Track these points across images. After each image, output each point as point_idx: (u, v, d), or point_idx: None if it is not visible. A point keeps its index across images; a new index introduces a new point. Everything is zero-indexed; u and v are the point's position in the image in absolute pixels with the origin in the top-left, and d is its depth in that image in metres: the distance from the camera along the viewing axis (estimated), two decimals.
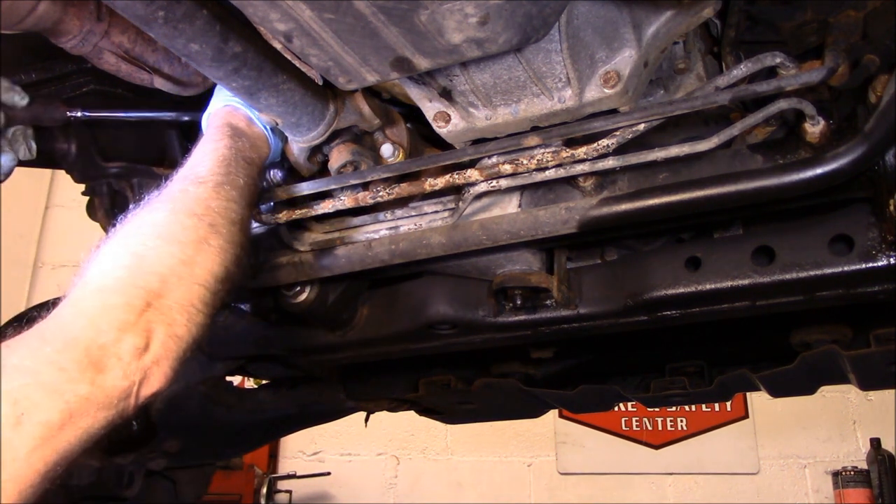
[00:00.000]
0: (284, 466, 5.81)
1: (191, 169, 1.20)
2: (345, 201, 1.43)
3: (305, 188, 1.43)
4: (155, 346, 0.99)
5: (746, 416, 5.59)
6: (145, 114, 1.66)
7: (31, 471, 0.84)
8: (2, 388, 0.84)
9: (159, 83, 1.52)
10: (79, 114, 1.57)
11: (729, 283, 1.43)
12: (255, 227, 1.61)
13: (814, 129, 1.20)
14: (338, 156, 1.40)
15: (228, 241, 1.13)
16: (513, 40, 0.98)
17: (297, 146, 1.39)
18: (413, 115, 1.43)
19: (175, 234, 1.08)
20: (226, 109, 1.33)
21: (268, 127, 1.34)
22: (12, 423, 0.83)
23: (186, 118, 1.66)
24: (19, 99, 1.42)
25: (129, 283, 1.00)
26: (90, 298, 0.99)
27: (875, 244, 1.32)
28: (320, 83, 1.31)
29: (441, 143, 1.40)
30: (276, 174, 1.52)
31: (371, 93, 1.42)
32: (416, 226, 1.48)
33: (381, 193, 1.40)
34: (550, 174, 1.32)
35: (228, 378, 2.22)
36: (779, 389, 2.11)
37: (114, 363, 0.93)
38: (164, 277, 1.03)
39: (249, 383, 2.87)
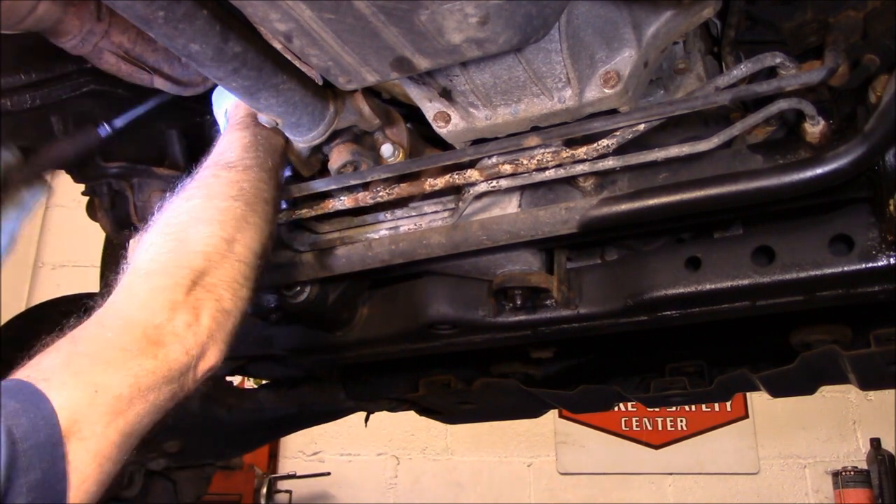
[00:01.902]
0: (284, 466, 5.81)
1: (219, 156, 1.26)
2: (345, 201, 1.43)
3: (306, 188, 1.43)
4: (205, 321, 1.04)
5: (746, 416, 5.59)
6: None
7: (108, 443, 0.91)
8: (72, 372, 0.90)
9: (159, 83, 1.52)
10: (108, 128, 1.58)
11: (729, 283, 1.43)
12: None
13: (814, 129, 1.20)
14: (338, 156, 1.40)
15: (263, 219, 1.20)
16: (513, 40, 0.98)
17: (298, 146, 1.39)
18: (413, 115, 1.43)
19: (213, 215, 1.14)
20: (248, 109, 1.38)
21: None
22: (87, 401, 0.89)
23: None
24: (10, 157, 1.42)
25: (175, 264, 1.07)
26: (140, 283, 1.05)
27: (875, 244, 1.32)
28: (320, 83, 1.31)
29: (441, 143, 1.40)
30: None
31: (371, 93, 1.42)
32: (416, 226, 1.48)
33: (381, 193, 1.40)
34: (550, 174, 1.32)
35: (228, 378, 2.22)
36: (779, 389, 2.11)
37: (171, 339, 1.00)
38: (208, 256, 1.09)
39: (249, 383, 2.88)
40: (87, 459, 0.88)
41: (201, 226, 1.12)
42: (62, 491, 0.85)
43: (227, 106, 1.41)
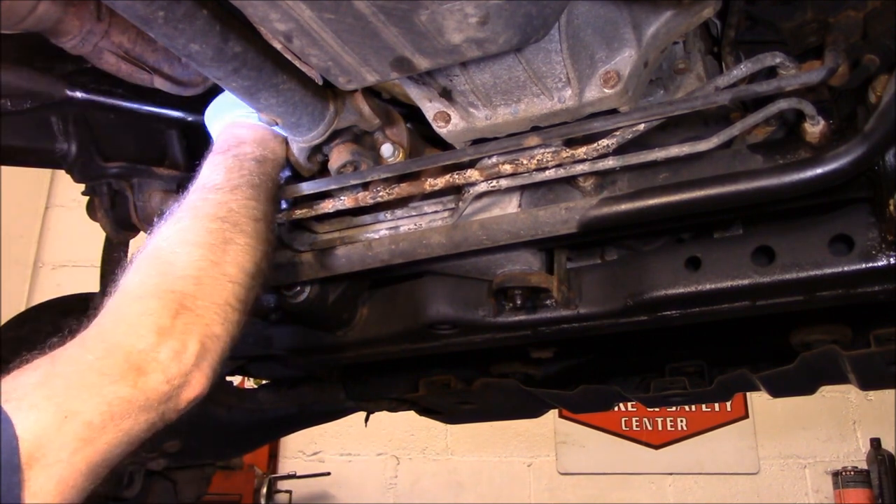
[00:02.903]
0: (284, 466, 5.81)
1: (206, 179, 1.24)
2: (345, 201, 1.43)
3: (305, 188, 1.43)
4: (193, 348, 1.02)
5: (746, 416, 5.59)
6: (144, 107, 1.66)
7: (74, 471, 0.87)
8: (44, 394, 0.88)
9: (159, 83, 1.52)
10: (78, 94, 1.58)
11: (729, 283, 1.43)
12: None
13: (814, 129, 1.20)
14: (338, 156, 1.40)
15: (254, 238, 1.17)
16: (513, 40, 0.98)
17: (297, 146, 1.39)
18: (413, 115, 1.43)
19: (201, 238, 1.12)
20: (228, 126, 1.37)
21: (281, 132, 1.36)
22: (56, 425, 0.86)
23: (190, 119, 1.67)
24: None
25: (163, 288, 1.04)
26: (127, 306, 1.03)
27: (875, 244, 1.32)
28: (320, 83, 1.31)
29: (441, 143, 1.40)
30: None
31: (371, 93, 1.42)
32: (416, 226, 1.48)
33: (381, 193, 1.40)
34: (550, 174, 1.32)
35: (228, 378, 2.22)
36: (779, 389, 2.11)
37: (154, 366, 0.97)
38: (197, 279, 1.07)
39: (249, 383, 2.87)
40: (48, 487, 0.84)
41: (189, 248, 1.10)
42: None
43: (217, 127, 1.40)
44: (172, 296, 1.03)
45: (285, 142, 1.39)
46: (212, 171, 1.26)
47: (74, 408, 0.88)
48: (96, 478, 0.91)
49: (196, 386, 1.02)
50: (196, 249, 1.10)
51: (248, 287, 1.13)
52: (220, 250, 1.12)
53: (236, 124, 1.36)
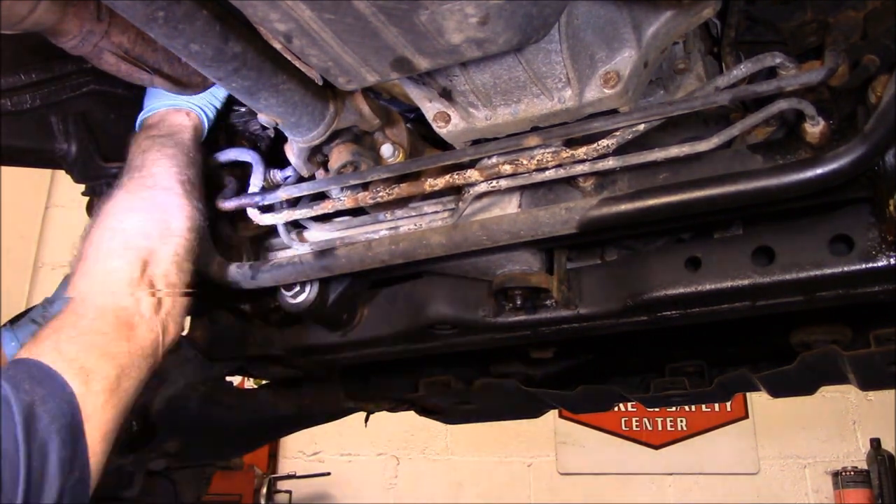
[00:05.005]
0: (284, 466, 5.82)
1: (129, 163, 1.39)
2: (344, 201, 1.43)
3: (305, 188, 1.43)
4: (163, 298, 1.20)
5: (746, 416, 5.59)
6: None
7: (107, 418, 1.04)
8: (65, 359, 1.02)
9: (159, 83, 1.52)
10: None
11: (729, 283, 1.43)
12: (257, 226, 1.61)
13: (814, 129, 1.20)
14: (338, 156, 1.40)
15: (182, 196, 1.32)
16: (513, 41, 0.98)
17: (297, 146, 1.39)
18: (413, 115, 1.43)
19: (137, 205, 1.29)
20: (144, 120, 1.49)
21: (192, 105, 1.47)
22: (83, 382, 1.02)
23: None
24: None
25: (122, 247, 1.21)
26: (96, 269, 1.19)
27: (875, 244, 1.32)
28: (320, 83, 1.31)
29: (441, 143, 1.40)
30: (276, 174, 1.52)
31: (371, 93, 1.42)
32: (416, 226, 1.48)
33: (380, 193, 1.40)
34: (550, 174, 1.32)
35: (228, 378, 2.22)
36: (779, 389, 2.11)
37: (139, 320, 1.15)
38: (147, 236, 1.24)
39: (249, 383, 2.87)
40: (94, 435, 1.00)
41: (130, 214, 1.26)
42: (85, 462, 0.98)
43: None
44: (133, 253, 1.20)
45: (195, 113, 1.47)
46: (133, 155, 1.39)
47: (91, 366, 1.03)
48: (119, 424, 1.07)
49: (171, 331, 1.21)
50: (136, 214, 1.26)
51: (189, 238, 1.29)
52: (158, 212, 1.28)
53: (151, 116, 1.48)
